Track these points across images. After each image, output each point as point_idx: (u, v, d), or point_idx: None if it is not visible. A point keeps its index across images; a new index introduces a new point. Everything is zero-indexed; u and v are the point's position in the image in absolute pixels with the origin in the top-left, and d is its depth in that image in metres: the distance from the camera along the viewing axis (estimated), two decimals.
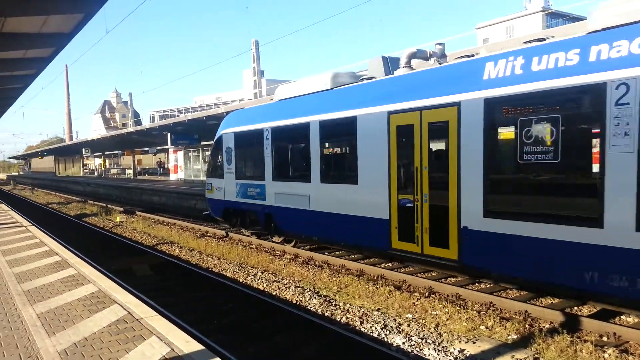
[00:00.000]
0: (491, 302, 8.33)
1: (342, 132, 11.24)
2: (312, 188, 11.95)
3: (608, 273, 6.58)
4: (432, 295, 9.03)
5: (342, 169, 11.59)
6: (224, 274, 11.70)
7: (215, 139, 16.15)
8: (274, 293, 9.85)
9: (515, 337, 7.05)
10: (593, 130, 6.88)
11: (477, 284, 9.58)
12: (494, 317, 7.69)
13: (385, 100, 9.92)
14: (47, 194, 47.71)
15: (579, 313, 7.82)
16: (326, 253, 12.87)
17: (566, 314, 7.57)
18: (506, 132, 7.92)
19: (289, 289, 9.94)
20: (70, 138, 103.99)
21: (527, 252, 7.53)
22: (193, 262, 13.16)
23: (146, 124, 68.90)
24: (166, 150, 51.93)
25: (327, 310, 8.56)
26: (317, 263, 12.10)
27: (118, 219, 23.00)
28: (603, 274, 6.63)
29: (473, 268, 8.95)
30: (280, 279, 10.78)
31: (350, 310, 8.46)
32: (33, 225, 17.29)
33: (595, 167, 6.73)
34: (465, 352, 6.67)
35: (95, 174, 78.01)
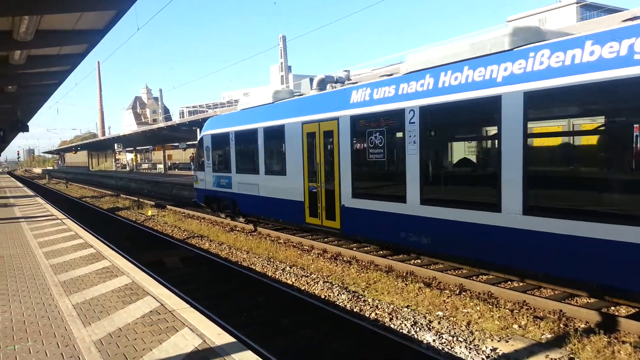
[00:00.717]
0: (524, 301, 8.17)
1: (277, 136, 14.46)
2: (259, 179, 15.54)
3: (410, 232, 9.97)
4: (463, 293, 8.90)
5: (277, 164, 14.86)
6: (253, 267, 11.80)
7: (198, 140, 20.04)
8: (303, 288, 9.87)
9: (549, 336, 6.89)
10: (400, 139, 10.06)
11: (509, 283, 9.42)
12: (527, 316, 7.52)
13: (301, 113, 13.37)
14: (80, 187, 48.99)
15: (617, 313, 7.60)
16: (354, 249, 12.86)
17: (603, 314, 7.37)
18: (361, 139, 11.25)
19: (318, 284, 9.96)
20: (103, 133, 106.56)
21: (375, 221, 10.91)
22: (222, 256, 13.31)
23: (176, 119, 69.82)
24: (195, 146, 52.60)
25: (355, 306, 8.53)
26: (345, 259, 12.08)
27: (149, 213, 23.43)
28: (408, 233, 10.03)
29: (349, 234, 12.74)
30: (308, 274, 10.81)
31: (380, 307, 8.41)
32: (68, 218, 17.76)
33: (401, 164, 10.01)
34: (497, 350, 6.56)
35: (127, 169, 79.68)
